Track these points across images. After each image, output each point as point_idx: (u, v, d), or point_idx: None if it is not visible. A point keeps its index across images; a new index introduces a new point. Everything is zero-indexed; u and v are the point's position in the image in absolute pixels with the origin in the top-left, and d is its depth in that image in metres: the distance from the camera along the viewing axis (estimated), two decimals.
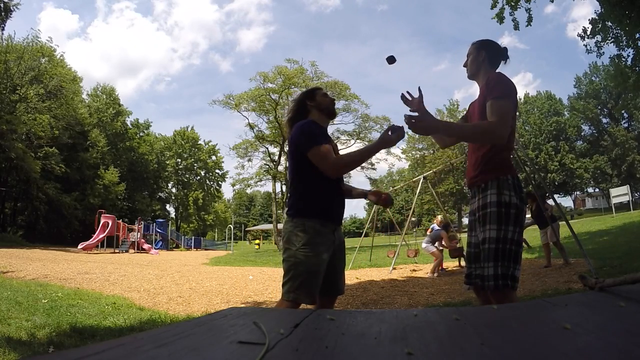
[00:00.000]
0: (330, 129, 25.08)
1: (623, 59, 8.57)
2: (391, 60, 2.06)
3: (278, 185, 26.62)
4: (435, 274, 7.25)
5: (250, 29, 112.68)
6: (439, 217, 8.75)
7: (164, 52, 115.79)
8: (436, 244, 7.77)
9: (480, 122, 1.65)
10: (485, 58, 1.85)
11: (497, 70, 1.87)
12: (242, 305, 4.66)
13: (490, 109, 1.66)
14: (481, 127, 1.65)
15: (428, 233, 8.74)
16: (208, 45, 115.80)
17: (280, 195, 26.78)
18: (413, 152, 42.57)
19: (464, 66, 1.95)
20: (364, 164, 26.08)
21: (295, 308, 1.71)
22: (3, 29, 13.43)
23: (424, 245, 7.91)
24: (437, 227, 8.41)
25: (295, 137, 1.84)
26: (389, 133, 1.80)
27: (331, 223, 1.85)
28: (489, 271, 1.62)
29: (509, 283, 1.60)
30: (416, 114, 1.93)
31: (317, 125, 1.91)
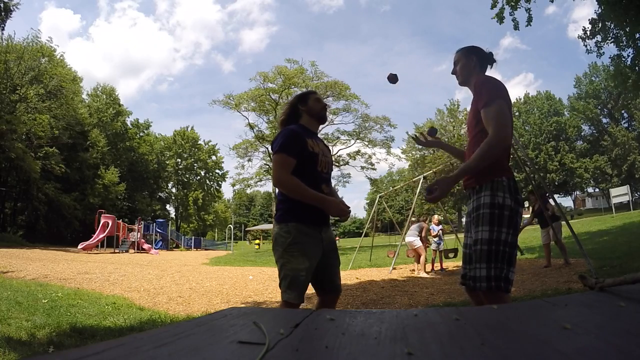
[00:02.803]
0: (331, 129, 25.07)
1: (623, 59, 8.56)
2: (393, 79, 2.08)
3: None
4: (426, 273, 7.28)
5: (252, 29, 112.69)
6: (436, 217, 8.77)
7: (166, 52, 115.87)
8: (423, 234, 7.70)
9: (482, 145, 1.63)
10: (477, 63, 1.86)
11: (485, 74, 1.87)
12: (242, 305, 4.66)
13: (484, 119, 1.67)
14: (485, 147, 1.62)
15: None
16: (210, 46, 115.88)
17: None
18: (413, 152, 42.53)
19: (453, 74, 1.95)
20: (364, 164, 26.11)
21: (294, 308, 1.73)
22: (3, 29, 13.44)
23: (411, 238, 7.65)
24: (435, 227, 8.42)
25: (273, 140, 1.94)
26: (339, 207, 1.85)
27: (317, 225, 1.88)
28: (481, 272, 1.62)
29: (501, 285, 1.59)
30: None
31: (301, 132, 1.93)
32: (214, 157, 43.97)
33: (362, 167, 26.38)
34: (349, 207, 1.89)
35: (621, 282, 0.80)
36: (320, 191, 1.87)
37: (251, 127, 25.75)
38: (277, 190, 1.95)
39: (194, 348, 0.50)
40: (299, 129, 1.95)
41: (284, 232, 1.82)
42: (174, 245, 27.85)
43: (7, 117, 20.17)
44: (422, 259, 7.44)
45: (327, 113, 2.17)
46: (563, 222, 6.47)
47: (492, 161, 1.67)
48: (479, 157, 1.62)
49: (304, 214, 1.84)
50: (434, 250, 8.44)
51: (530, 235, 13.66)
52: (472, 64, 1.86)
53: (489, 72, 1.92)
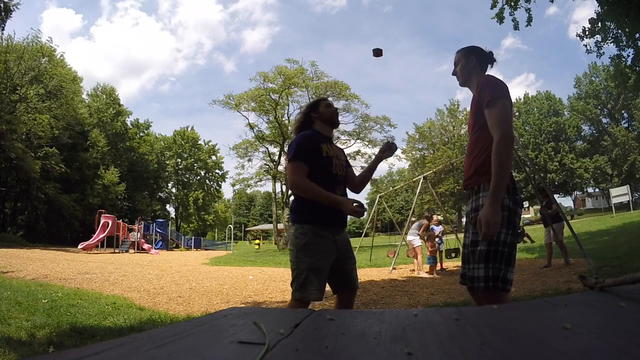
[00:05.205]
0: None
1: (623, 59, 8.56)
2: (377, 52, 2.09)
3: (278, 185, 26.61)
4: (427, 273, 7.27)
5: (254, 29, 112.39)
6: (435, 217, 8.76)
7: (168, 52, 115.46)
8: (421, 231, 7.72)
9: (494, 157, 1.57)
10: (477, 64, 1.86)
11: (486, 74, 1.87)
12: (242, 305, 4.66)
13: (488, 119, 1.66)
14: (496, 154, 1.57)
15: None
16: (212, 46, 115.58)
17: (280, 195, 26.77)
18: (413, 152, 42.56)
19: (453, 75, 1.96)
20: (364, 165, 26.13)
21: (304, 306, 1.79)
22: (3, 29, 13.38)
23: (410, 237, 7.72)
24: (435, 227, 8.42)
25: (289, 147, 2.06)
26: (353, 205, 1.89)
27: (331, 226, 1.96)
28: (479, 272, 1.63)
29: (499, 285, 1.59)
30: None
31: (313, 137, 2.04)
32: (214, 157, 43.98)
33: (362, 167, 26.41)
34: (363, 207, 1.91)
35: (621, 282, 0.80)
36: (334, 192, 1.97)
37: (251, 127, 25.77)
38: (291, 193, 2.08)
39: (194, 348, 0.50)
40: (311, 134, 2.06)
41: (299, 233, 1.91)
42: (174, 245, 27.84)
43: (7, 117, 20.17)
44: (419, 258, 7.44)
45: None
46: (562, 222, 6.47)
47: (508, 158, 1.60)
48: (497, 163, 1.56)
49: (318, 216, 1.93)
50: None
51: (530, 235, 13.63)
52: (472, 64, 1.86)
53: (490, 72, 1.91)
